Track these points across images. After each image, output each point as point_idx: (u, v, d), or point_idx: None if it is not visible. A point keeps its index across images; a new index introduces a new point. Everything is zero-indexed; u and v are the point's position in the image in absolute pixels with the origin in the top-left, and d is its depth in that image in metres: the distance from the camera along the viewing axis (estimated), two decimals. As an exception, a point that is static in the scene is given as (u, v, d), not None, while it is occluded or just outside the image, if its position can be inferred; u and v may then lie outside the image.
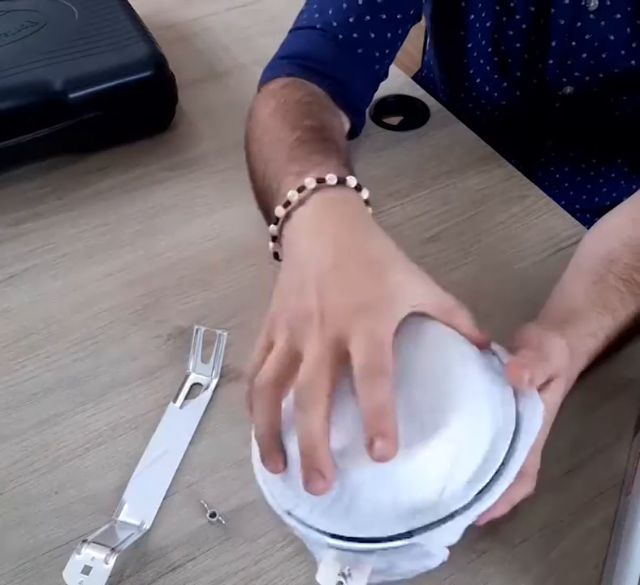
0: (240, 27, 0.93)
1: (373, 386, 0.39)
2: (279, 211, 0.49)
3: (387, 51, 0.72)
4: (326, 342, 0.41)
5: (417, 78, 1.00)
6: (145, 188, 0.74)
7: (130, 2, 0.82)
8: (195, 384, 0.59)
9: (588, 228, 0.71)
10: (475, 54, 0.78)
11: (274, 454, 0.42)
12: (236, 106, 0.83)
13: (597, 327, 0.52)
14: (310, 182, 0.49)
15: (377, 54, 0.71)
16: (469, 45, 0.77)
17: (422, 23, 1.19)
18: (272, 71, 0.69)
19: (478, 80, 0.80)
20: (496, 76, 0.79)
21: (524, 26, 0.73)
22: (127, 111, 0.74)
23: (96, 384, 0.59)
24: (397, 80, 0.86)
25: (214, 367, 0.59)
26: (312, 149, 0.54)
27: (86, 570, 0.47)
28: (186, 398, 0.58)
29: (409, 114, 0.82)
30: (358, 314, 0.41)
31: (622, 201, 0.67)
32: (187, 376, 0.59)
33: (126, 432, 0.56)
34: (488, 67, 0.78)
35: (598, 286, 0.54)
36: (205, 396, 0.58)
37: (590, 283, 0.55)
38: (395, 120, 0.82)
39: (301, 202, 0.49)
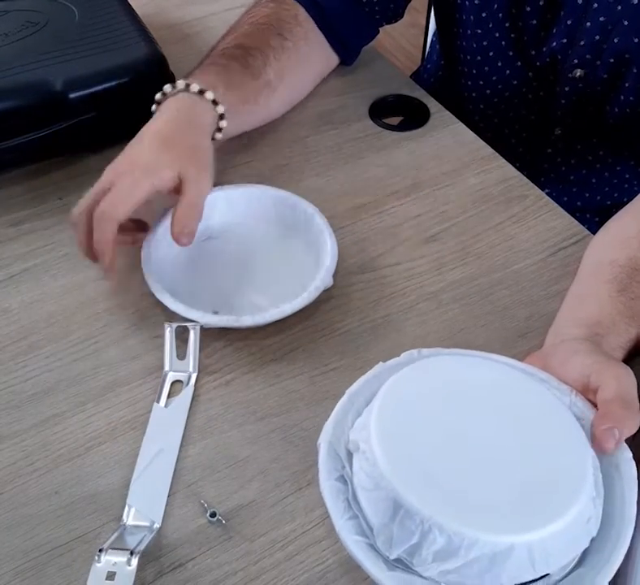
0: (240, 27, 0.92)
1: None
2: (158, 96, 0.66)
3: None
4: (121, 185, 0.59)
5: (417, 77, 1.00)
6: (145, 188, 0.74)
7: (130, 3, 0.82)
8: (176, 382, 0.59)
9: (588, 228, 0.71)
10: (491, 25, 0.78)
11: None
12: (236, 106, 0.83)
13: (626, 338, 0.53)
14: (181, 83, 0.65)
15: None
16: (484, 15, 0.77)
17: (421, 22, 1.19)
18: None
19: (491, 53, 0.80)
20: (511, 53, 0.79)
21: (541, 3, 0.73)
22: (128, 111, 0.74)
23: (96, 384, 0.59)
24: (397, 80, 0.86)
25: (191, 362, 0.59)
26: (218, 61, 0.70)
27: (110, 576, 0.47)
28: (169, 396, 0.58)
29: (409, 114, 0.82)
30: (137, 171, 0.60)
31: (624, 201, 0.67)
32: (165, 375, 0.59)
33: (126, 432, 0.56)
34: (503, 42, 0.78)
35: (624, 296, 0.55)
36: (188, 391, 0.58)
37: (615, 292, 0.55)
38: (395, 120, 0.82)
39: (170, 95, 0.66)
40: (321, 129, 0.80)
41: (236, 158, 0.77)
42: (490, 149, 0.78)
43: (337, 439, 0.44)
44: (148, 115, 0.67)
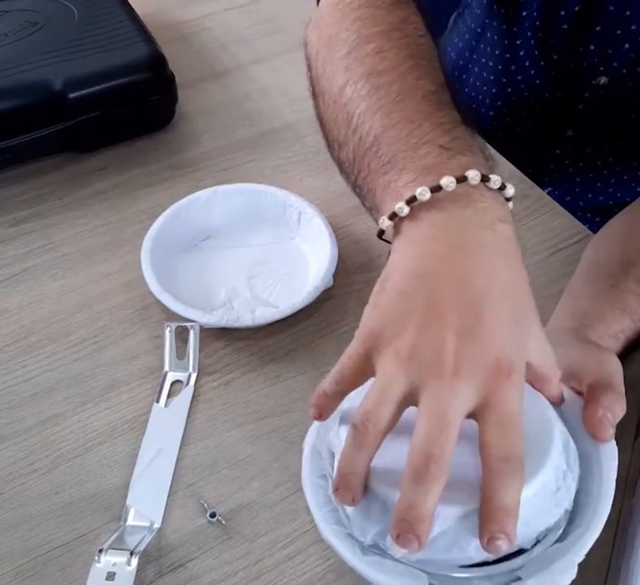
0: (240, 27, 0.93)
1: (509, 481, 0.35)
2: (401, 208, 0.39)
3: None
4: (456, 402, 0.35)
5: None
6: (145, 188, 0.74)
7: (130, 2, 0.82)
8: (175, 382, 0.59)
9: (588, 228, 0.71)
10: (527, 24, 0.76)
11: (356, 489, 0.38)
12: (236, 106, 0.83)
13: (617, 328, 0.52)
14: (449, 183, 0.38)
15: None
16: (525, 13, 0.76)
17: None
18: None
19: (522, 52, 0.79)
20: (536, 52, 0.78)
21: (577, 8, 0.72)
22: (127, 111, 0.74)
23: (96, 384, 0.59)
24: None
25: (191, 362, 0.59)
26: (433, 118, 0.43)
27: (110, 576, 0.47)
28: (168, 396, 0.58)
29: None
30: (498, 376, 0.35)
31: (626, 201, 0.67)
32: (165, 375, 0.59)
33: (126, 432, 0.56)
34: (533, 41, 0.78)
35: (617, 289, 0.54)
36: (187, 392, 0.58)
37: (608, 286, 0.55)
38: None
39: (434, 205, 0.39)
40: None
41: (236, 157, 0.77)
42: (490, 149, 0.78)
43: (320, 441, 0.44)
44: (148, 115, 0.67)
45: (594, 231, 0.67)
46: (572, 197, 0.85)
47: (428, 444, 0.34)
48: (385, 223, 0.41)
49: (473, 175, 0.39)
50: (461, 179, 0.39)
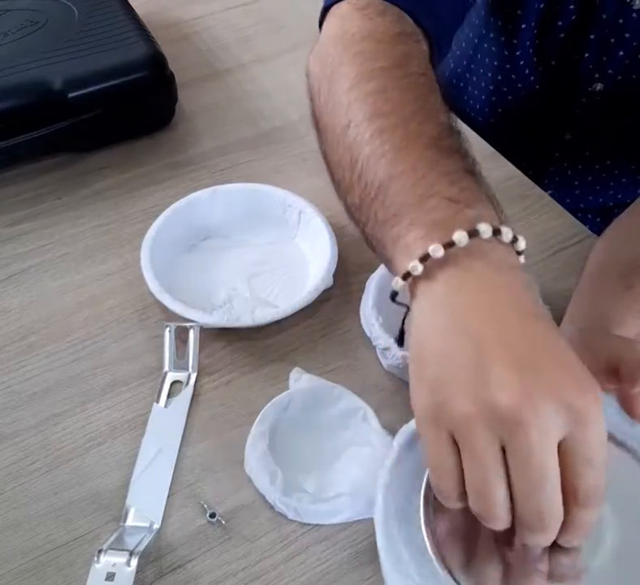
0: (240, 26, 0.93)
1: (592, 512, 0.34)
2: (415, 267, 0.38)
3: None
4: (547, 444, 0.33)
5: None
6: (145, 188, 0.74)
7: (130, 2, 0.82)
8: (175, 382, 0.59)
9: (589, 228, 0.71)
10: (526, 35, 0.77)
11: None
12: (236, 105, 0.83)
13: (635, 332, 0.52)
14: (461, 238, 0.37)
15: None
16: (524, 26, 0.77)
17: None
18: None
19: (522, 62, 0.80)
20: (535, 59, 0.79)
21: (573, 17, 0.73)
22: (127, 110, 0.74)
23: (96, 384, 0.59)
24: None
25: (190, 362, 0.59)
26: (439, 167, 0.41)
27: (110, 577, 0.47)
28: (168, 396, 0.58)
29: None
30: (582, 396, 0.33)
31: (626, 202, 0.67)
32: (165, 375, 0.59)
33: (126, 432, 0.56)
34: (531, 50, 0.78)
35: (632, 292, 0.54)
36: (187, 392, 0.58)
37: (622, 288, 0.55)
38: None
39: (448, 261, 0.37)
40: (321, 128, 0.80)
41: (236, 157, 0.77)
42: (490, 149, 0.78)
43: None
44: (148, 114, 0.66)
45: (595, 232, 0.67)
46: (572, 200, 0.86)
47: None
48: (399, 283, 0.39)
49: (485, 229, 0.37)
50: (473, 234, 0.37)
